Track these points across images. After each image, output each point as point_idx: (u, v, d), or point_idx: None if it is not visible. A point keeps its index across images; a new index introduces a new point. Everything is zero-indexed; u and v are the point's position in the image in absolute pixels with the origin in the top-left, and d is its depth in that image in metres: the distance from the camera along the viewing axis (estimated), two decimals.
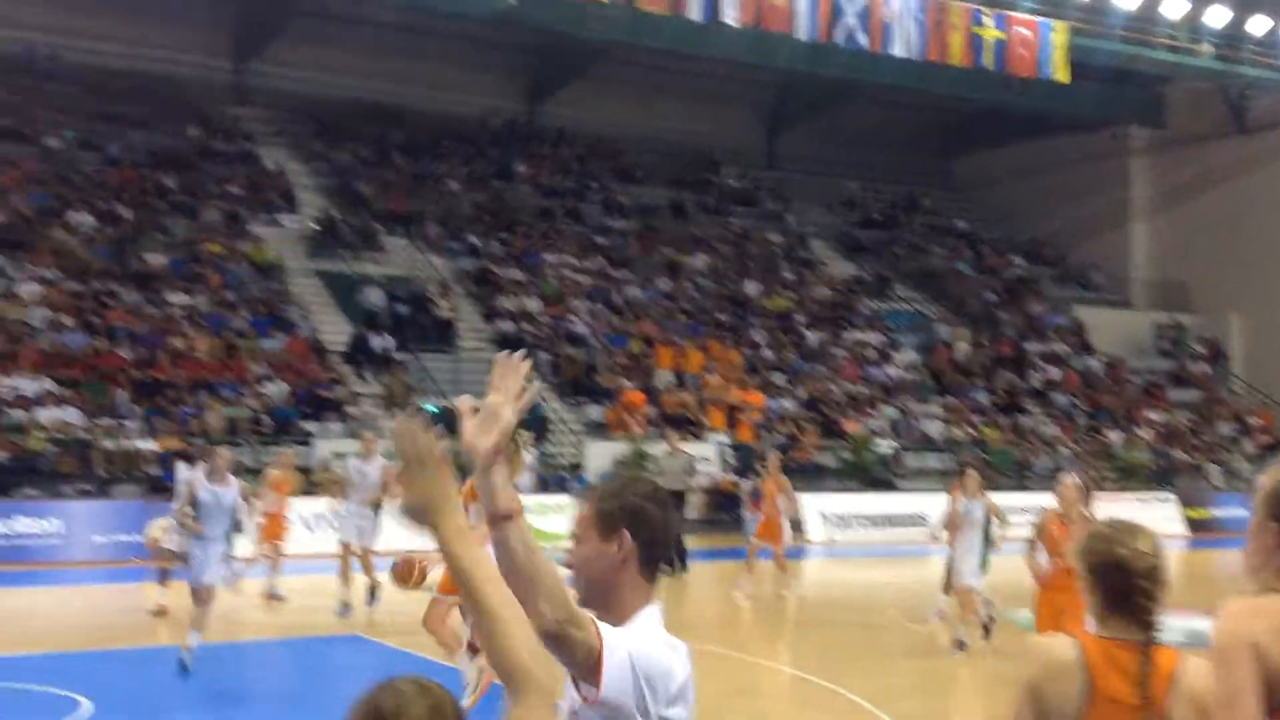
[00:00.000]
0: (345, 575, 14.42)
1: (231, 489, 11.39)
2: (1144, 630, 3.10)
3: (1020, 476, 28.30)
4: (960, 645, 12.56)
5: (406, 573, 8.24)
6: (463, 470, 2.52)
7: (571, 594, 2.68)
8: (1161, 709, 3.04)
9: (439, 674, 9.77)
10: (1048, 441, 30.06)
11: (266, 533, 15.29)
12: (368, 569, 14.29)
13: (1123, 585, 3.12)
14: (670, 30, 29.26)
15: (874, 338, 32.65)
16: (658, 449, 24.08)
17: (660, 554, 2.91)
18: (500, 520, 2.58)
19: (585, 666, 2.62)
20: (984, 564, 12.96)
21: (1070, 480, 9.77)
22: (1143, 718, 3.03)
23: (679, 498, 18.41)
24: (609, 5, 27.85)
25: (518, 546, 2.57)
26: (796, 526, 16.35)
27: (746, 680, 11.46)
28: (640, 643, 2.73)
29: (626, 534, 2.86)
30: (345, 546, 14.54)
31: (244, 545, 14.56)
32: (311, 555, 17.19)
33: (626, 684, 2.64)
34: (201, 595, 10.91)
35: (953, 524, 13.12)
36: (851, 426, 28.06)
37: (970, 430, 29.61)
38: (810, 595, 18.36)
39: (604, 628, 2.68)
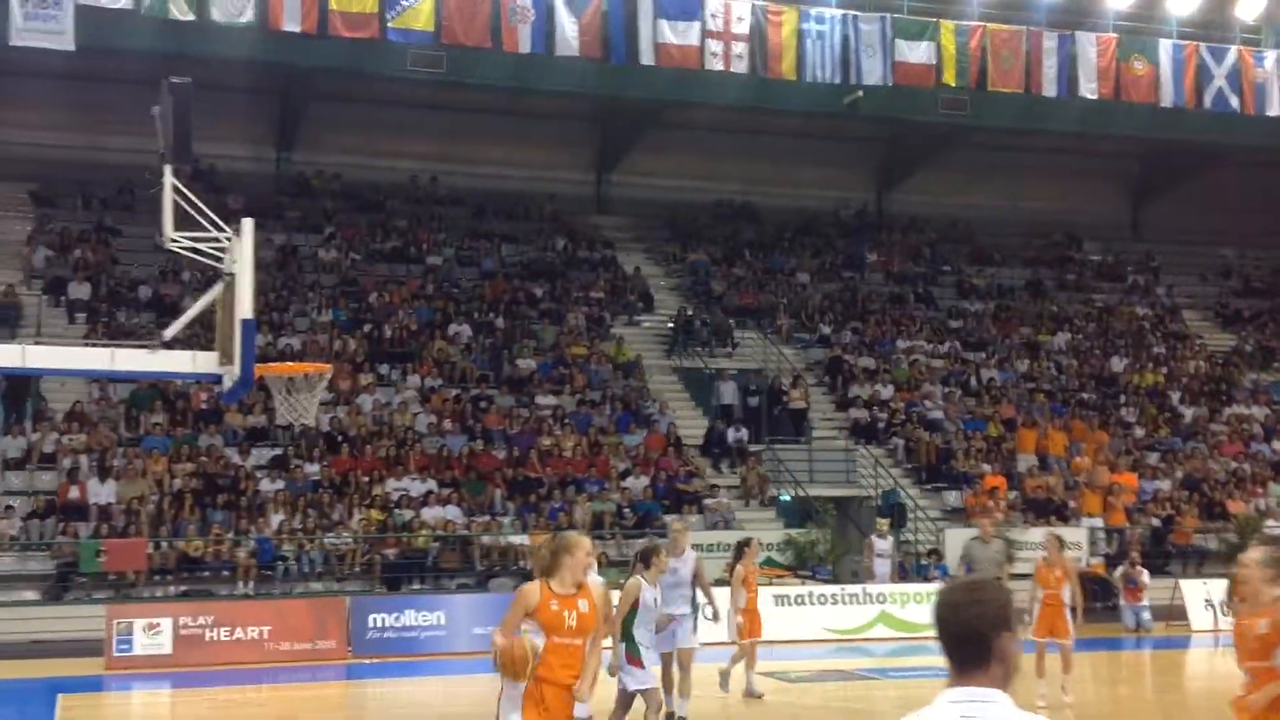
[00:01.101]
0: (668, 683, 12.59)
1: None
2: None
3: None
4: None
5: (510, 662, 7.22)
6: None
7: None
8: None
9: None
10: None
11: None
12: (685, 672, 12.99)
13: None
14: (1018, 108, 28.87)
15: (1259, 412, 30.48)
16: (1019, 535, 23.42)
17: (945, 647, 3.23)
18: None
19: None
20: None
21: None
22: None
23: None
24: (957, 89, 27.75)
25: None
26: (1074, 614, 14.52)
27: None
28: None
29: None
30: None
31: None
32: None
33: None
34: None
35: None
36: (1236, 507, 26.24)
37: None
38: (1194, 688, 17.28)
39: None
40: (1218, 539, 25.58)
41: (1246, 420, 30.00)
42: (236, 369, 12.41)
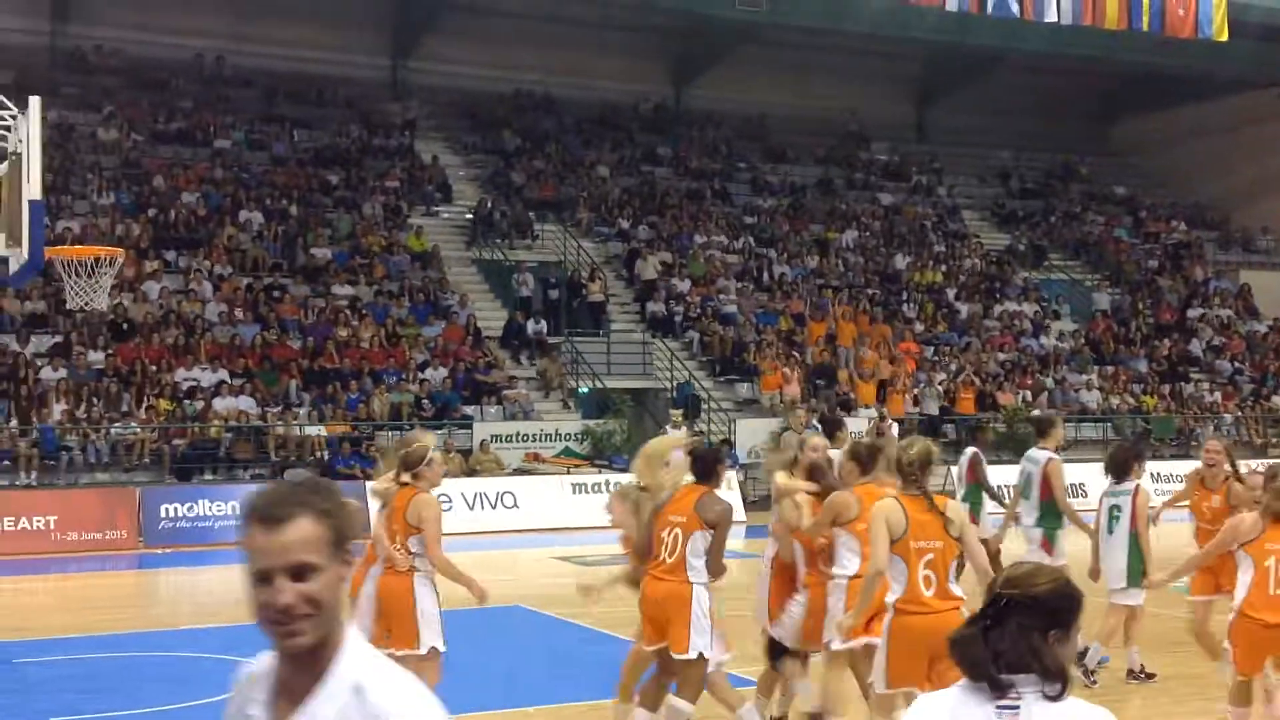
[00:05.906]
0: None
1: None
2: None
3: (1185, 445, 27.77)
4: None
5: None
6: None
7: None
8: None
9: (601, 641, 9.92)
10: (1209, 408, 29.32)
11: None
12: None
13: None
14: (813, 6, 29.35)
15: (1028, 308, 32.21)
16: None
17: None
18: None
19: None
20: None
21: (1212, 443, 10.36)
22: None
23: None
24: None
25: None
26: None
27: None
28: None
29: None
30: None
31: None
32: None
33: None
34: None
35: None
36: (1006, 399, 27.79)
37: (1130, 399, 29.05)
38: None
39: None
40: (989, 429, 27.05)
41: (1017, 316, 31.66)
42: (25, 251, 11.97)
